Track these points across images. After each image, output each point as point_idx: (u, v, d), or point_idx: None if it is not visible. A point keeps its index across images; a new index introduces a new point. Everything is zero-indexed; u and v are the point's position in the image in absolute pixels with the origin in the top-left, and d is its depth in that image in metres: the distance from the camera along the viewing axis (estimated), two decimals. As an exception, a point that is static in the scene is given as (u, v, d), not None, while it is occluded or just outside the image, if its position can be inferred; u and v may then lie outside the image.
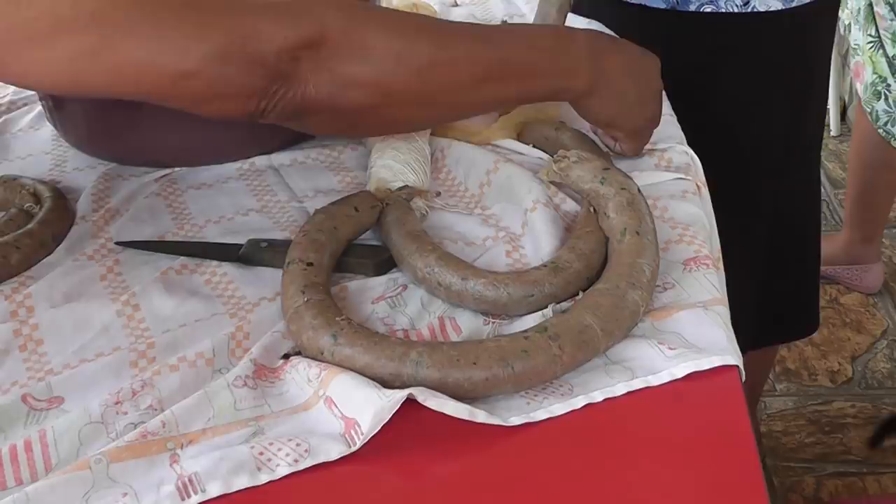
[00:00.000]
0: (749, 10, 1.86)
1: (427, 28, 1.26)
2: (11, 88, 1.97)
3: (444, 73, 1.24)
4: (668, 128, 1.63)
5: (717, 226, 1.47)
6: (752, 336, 2.29)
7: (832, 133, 4.72)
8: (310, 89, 1.16)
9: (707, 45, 1.90)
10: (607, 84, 1.37)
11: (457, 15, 2.09)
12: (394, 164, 1.44)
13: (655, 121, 1.51)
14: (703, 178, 1.53)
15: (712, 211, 1.49)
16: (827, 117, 4.58)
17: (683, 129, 1.64)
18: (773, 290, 2.26)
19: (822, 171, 3.85)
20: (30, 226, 1.43)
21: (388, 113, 1.27)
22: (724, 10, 1.83)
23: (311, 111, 1.20)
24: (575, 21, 1.95)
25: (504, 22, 2.03)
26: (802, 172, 2.23)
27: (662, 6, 1.87)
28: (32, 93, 1.84)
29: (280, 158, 1.60)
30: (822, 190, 4.11)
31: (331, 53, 1.15)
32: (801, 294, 2.45)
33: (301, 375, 1.12)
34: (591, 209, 1.33)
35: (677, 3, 1.85)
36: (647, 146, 1.54)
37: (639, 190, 1.32)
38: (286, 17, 1.13)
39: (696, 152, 1.56)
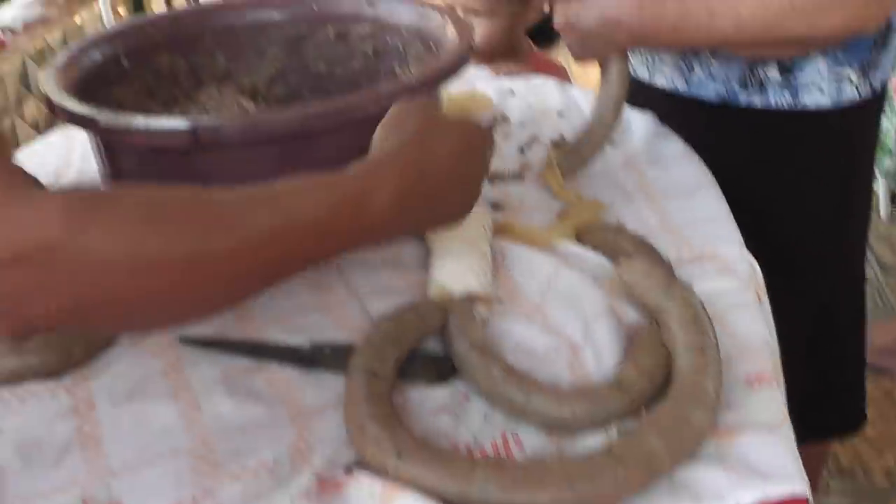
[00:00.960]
0: (798, 107, 1.87)
1: (185, 218, 1.07)
2: (74, 169, 1.99)
3: (203, 268, 1.04)
4: (727, 230, 1.63)
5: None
6: (798, 431, 2.27)
7: (881, 216, 4.66)
8: (37, 307, 0.98)
9: (756, 139, 1.91)
10: (417, 216, 1.27)
11: (513, 104, 2.10)
12: (456, 268, 1.44)
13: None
14: (763, 285, 1.53)
15: (772, 321, 1.49)
16: (875, 199, 4.53)
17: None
18: (816, 383, 2.24)
19: (871, 256, 3.80)
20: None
21: (148, 315, 1.08)
22: (773, 106, 1.83)
23: (51, 326, 1.04)
24: (633, 114, 1.96)
25: (559, 113, 2.05)
26: (847, 264, 2.22)
27: (714, 100, 1.88)
28: (96, 175, 1.85)
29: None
30: (872, 275, 4.05)
31: (54, 266, 0.96)
32: (846, 387, 2.43)
33: (364, 491, 1.12)
34: (654, 322, 1.32)
35: (728, 96, 1.86)
36: (708, 251, 1.54)
37: (702, 305, 1.31)
38: None
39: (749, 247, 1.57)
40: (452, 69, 1.60)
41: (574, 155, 1.78)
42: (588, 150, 1.80)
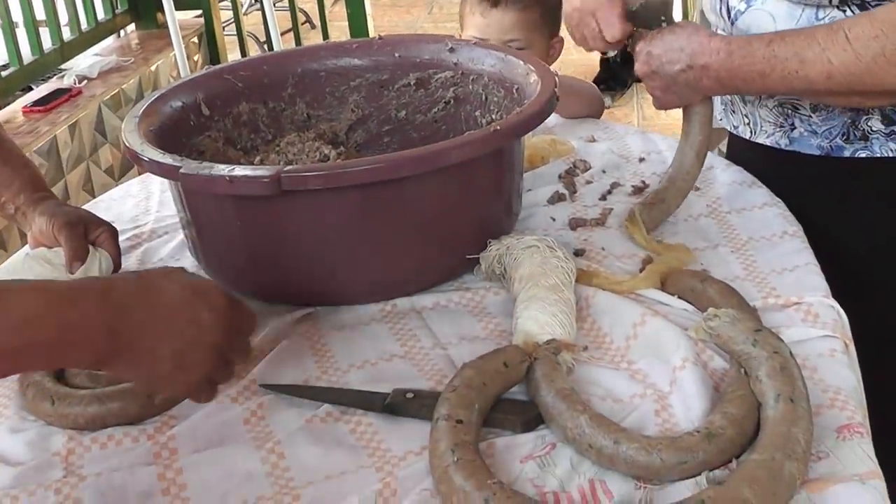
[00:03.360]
0: None
1: None
2: (153, 216, 2.00)
3: None
4: (812, 277, 1.61)
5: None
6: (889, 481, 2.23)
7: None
8: None
9: (859, 190, 1.87)
10: (132, 346, 1.19)
11: (596, 150, 2.09)
12: (540, 315, 1.43)
13: (222, 378, 1.32)
14: (850, 334, 1.51)
15: (859, 370, 1.46)
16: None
17: (826, 276, 1.62)
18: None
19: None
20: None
21: None
22: (878, 155, 1.80)
23: None
24: (715, 160, 1.95)
25: (640, 159, 2.04)
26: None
27: (816, 153, 1.85)
28: (175, 220, 1.86)
29: (422, 301, 1.59)
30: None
31: None
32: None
33: (450, 540, 1.11)
34: (742, 371, 1.30)
35: (832, 149, 1.83)
36: (794, 298, 1.52)
37: (791, 353, 1.29)
38: None
39: (838, 299, 1.55)
40: (537, 119, 1.60)
41: (658, 207, 1.77)
42: (672, 200, 1.79)
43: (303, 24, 7.44)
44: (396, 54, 1.97)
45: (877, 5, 1.64)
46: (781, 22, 1.75)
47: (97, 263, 1.67)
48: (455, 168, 1.52)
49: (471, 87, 1.91)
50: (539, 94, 1.64)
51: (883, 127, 1.77)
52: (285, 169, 1.45)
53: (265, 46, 6.02)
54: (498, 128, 1.54)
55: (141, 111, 1.73)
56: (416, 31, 7.64)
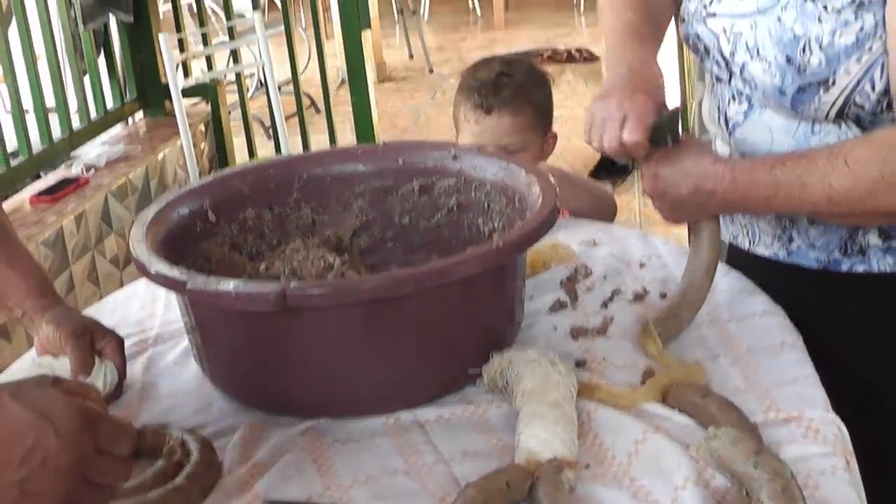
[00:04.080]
0: None
1: None
2: (158, 321, 2.02)
3: None
4: (813, 391, 1.62)
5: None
6: None
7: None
8: None
9: (856, 304, 1.89)
10: None
11: (597, 255, 2.11)
12: (542, 433, 1.44)
13: None
14: (851, 450, 1.51)
15: (861, 486, 1.47)
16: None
17: (826, 387, 1.63)
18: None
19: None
20: (178, 481, 1.44)
21: None
22: (876, 271, 1.82)
23: None
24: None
25: (641, 265, 2.05)
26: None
27: (814, 266, 1.87)
28: (179, 326, 1.87)
29: (425, 414, 1.60)
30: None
31: None
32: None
33: None
34: (744, 491, 1.31)
35: (829, 262, 1.85)
36: (795, 413, 1.53)
37: (792, 474, 1.30)
38: None
39: (839, 415, 1.55)
40: (539, 232, 1.62)
41: (672, 321, 1.78)
42: (685, 315, 1.80)
43: (308, 107, 7.50)
44: (400, 160, 2.00)
45: (871, 121, 1.68)
46: (778, 134, 1.79)
47: (102, 375, 1.68)
48: (458, 283, 1.54)
49: (473, 194, 1.93)
50: (541, 209, 1.66)
51: (880, 242, 1.79)
52: (291, 286, 1.47)
53: (270, 131, 6.06)
54: (500, 244, 1.55)
55: (149, 219, 1.75)
56: (418, 115, 7.70)
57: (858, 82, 1.68)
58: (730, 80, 1.85)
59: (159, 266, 1.58)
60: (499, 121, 2.48)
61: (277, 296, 1.45)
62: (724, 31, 1.83)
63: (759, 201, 1.72)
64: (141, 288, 2.20)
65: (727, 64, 1.84)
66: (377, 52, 9.14)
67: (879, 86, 1.67)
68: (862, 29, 1.65)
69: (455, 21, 11.89)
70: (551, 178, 1.78)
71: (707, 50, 1.89)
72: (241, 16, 6.63)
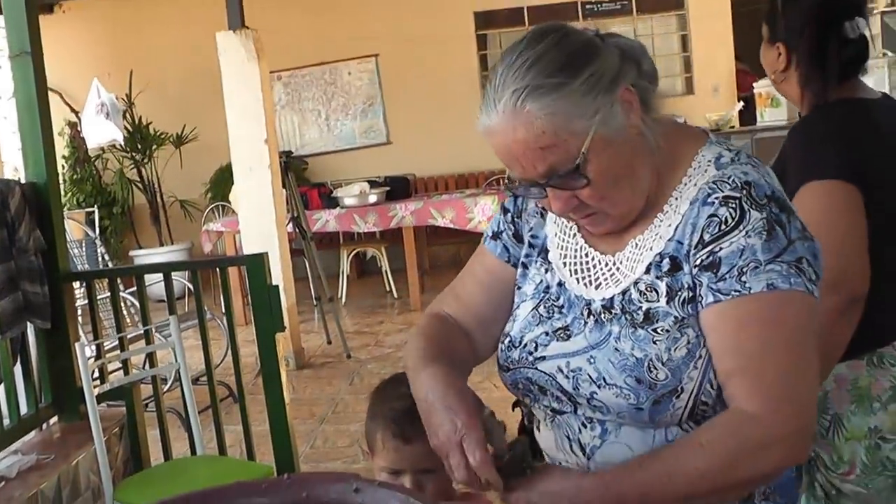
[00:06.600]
0: None
1: None
2: None
3: None
4: None
5: None
6: None
7: None
8: None
9: None
10: None
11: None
12: None
13: None
14: None
15: None
16: None
17: None
18: None
19: None
20: None
21: None
22: None
23: None
24: None
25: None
26: None
27: None
28: None
29: None
30: None
31: None
32: None
33: None
34: None
35: None
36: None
37: None
38: None
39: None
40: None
41: None
42: None
43: (225, 397, 7.52)
44: (304, 493, 2.02)
45: (701, 417, 1.92)
46: (637, 447, 1.96)
47: None
48: None
49: (375, 528, 1.95)
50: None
51: None
52: None
53: (187, 423, 6.03)
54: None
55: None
56: (336, 403, 7.71)
57: (700, 384, 1.90)
58: (575, 410, 2.01)
59: None
60: (419, 447, 2.52)
61: None
62: (561, 370, 2.01)
63: (637, 499, 1.85)
64: None
65: (570, 397, 2.00)
66: (295, 339, 9.20)
67: (717, 383, 1.89)
68: (689, 342, 1.89)
69: (372, 304, 12.02)
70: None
71: (543, 390, 2.06)
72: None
